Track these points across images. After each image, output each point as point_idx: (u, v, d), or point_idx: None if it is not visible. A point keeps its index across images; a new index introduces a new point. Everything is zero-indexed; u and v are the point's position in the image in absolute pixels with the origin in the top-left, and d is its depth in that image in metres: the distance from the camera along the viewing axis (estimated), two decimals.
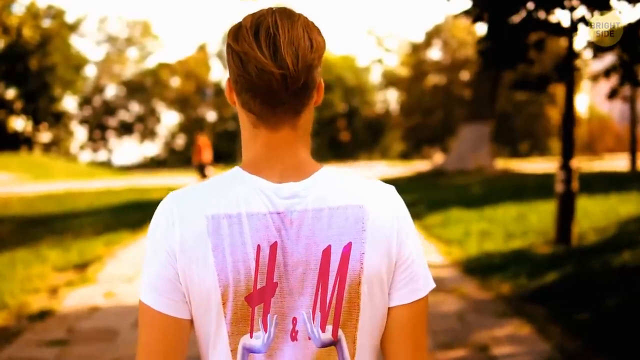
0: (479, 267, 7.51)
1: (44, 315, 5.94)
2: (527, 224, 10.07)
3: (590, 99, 57.52)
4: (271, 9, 1.19)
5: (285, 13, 1.17)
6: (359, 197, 1.20)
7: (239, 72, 1.15)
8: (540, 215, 10.62)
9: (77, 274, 7.73)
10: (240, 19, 1.20)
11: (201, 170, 18.83)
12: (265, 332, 1.16)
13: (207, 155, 18.99)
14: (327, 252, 1.16)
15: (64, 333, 5.36)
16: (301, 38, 1.14)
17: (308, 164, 1.21)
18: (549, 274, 6.84)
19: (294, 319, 1.16)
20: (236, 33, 1.16)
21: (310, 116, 1.24)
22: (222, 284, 1.14)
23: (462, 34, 47.21)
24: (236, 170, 1.21)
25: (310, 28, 1.18)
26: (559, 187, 8.31)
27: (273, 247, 1.15)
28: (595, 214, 10.18)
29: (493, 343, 4.95)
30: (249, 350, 1.16)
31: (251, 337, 1.16)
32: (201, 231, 1.15)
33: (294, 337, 1.16)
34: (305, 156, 1.22)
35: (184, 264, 1.15)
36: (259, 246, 1.14)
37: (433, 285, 1.25)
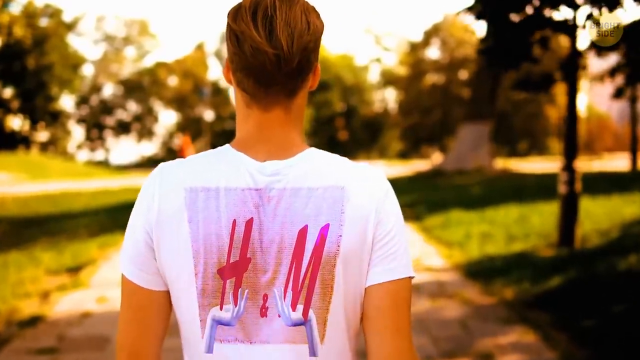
0: (481, 271, 7.35)
1: (34, 321, 5.77)
2: (529, 226, 9.91)
3: (589, 98, 57.47)
4: None
5: None
6: (341, 179, 1.18)
7: (234, 51, 1.16)
8: (542, 217, 10.46)
9: (70, 277, 7.56)
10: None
11: None
12: (235, 306, 1.17)
13: (189, 154, 19.42)
14: (303, 232, 1.16)
15: (54, 340, 5.19)
16: (298, 20, 1.14)
17: (296, 145, 1.21)
18: (553, 278, 6.69)
19: (265, 295, 1.16)
20: (235, 13, 1.16)
21: (304, 100, 1.24)
22: (195, 255, 1.16)
23: (461, 33, 47.13)
24: (225, 147, 1.23)
25: (308, 11, 1.18)
26: (562, 189, 8.16)
27: (249, 223, 1.16)
28: (598, 216, 10.03)
29: (497, 351, 4.81)
30: (217, 322, 1.17)
31: (221, 309, 1.17)
32: (179, 203, 1.17)
33: (263, 314, 1.17)
34: (294, 137, 1.22)
35: (159, 235, 1.17)
36: (234, 221, 1.15)
37: (412, 274, 1.22)
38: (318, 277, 1.16)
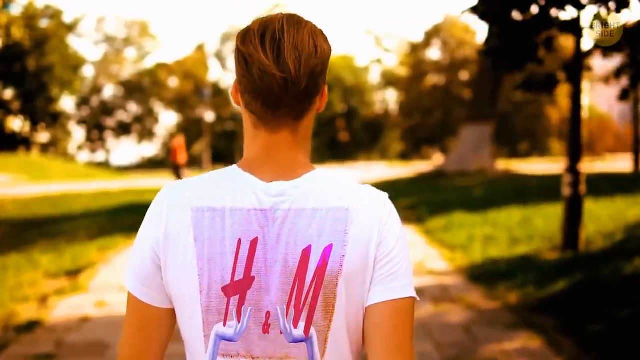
0: (484, 275, 7.27)
1: (32, 326, 5.70)
2: (532, 229, 9.82)
3: (590, 99, 57.39)
4: (281, 14, 1.22)
5: (293, 19, 1.20)
6: (345, 200, 1.21)
7: (243, 74, 1.18)
8: (545, 219, 10.37)
9: (68, 281, 7.49)
10: (249, 23, 1.24)
11: (176, 171, 19.42)
12: (239, 323, 1.19)
13: (182, 157, 19.54)
14: (306, 252, 1.18)
15: (52, 346, 5.12)
16: (306, 43, 1.17)
17: (302, 166, 1.24)
18: (558, 282, 6.61)
19: (268, 312, 1.19)
20: (244, 36, 1.19)
21: (311, 122, 1.26)
22: (200, 273, 1.19)
23: (461, 33, 47.07)
24: (233, 167, 1.25)
25: (316, 34, 1.20)
26: (566, 191, 8.06)
27: (253, 242, 1.18)
28: (602, 218, 9.92)
29: (502, 357, 4.74)
30: (221, 338, 1.20)
31: (224, 325, 1.19)
32: (186, 222, 1.20)
33: (266, 330, 1.19)
34: (301, 159, 1.25)
35: (166, 252, 1.21)
36: (239, 240, 1.18)
37: (413, 294, 1.22)
38: (320, 295, 1.18)
